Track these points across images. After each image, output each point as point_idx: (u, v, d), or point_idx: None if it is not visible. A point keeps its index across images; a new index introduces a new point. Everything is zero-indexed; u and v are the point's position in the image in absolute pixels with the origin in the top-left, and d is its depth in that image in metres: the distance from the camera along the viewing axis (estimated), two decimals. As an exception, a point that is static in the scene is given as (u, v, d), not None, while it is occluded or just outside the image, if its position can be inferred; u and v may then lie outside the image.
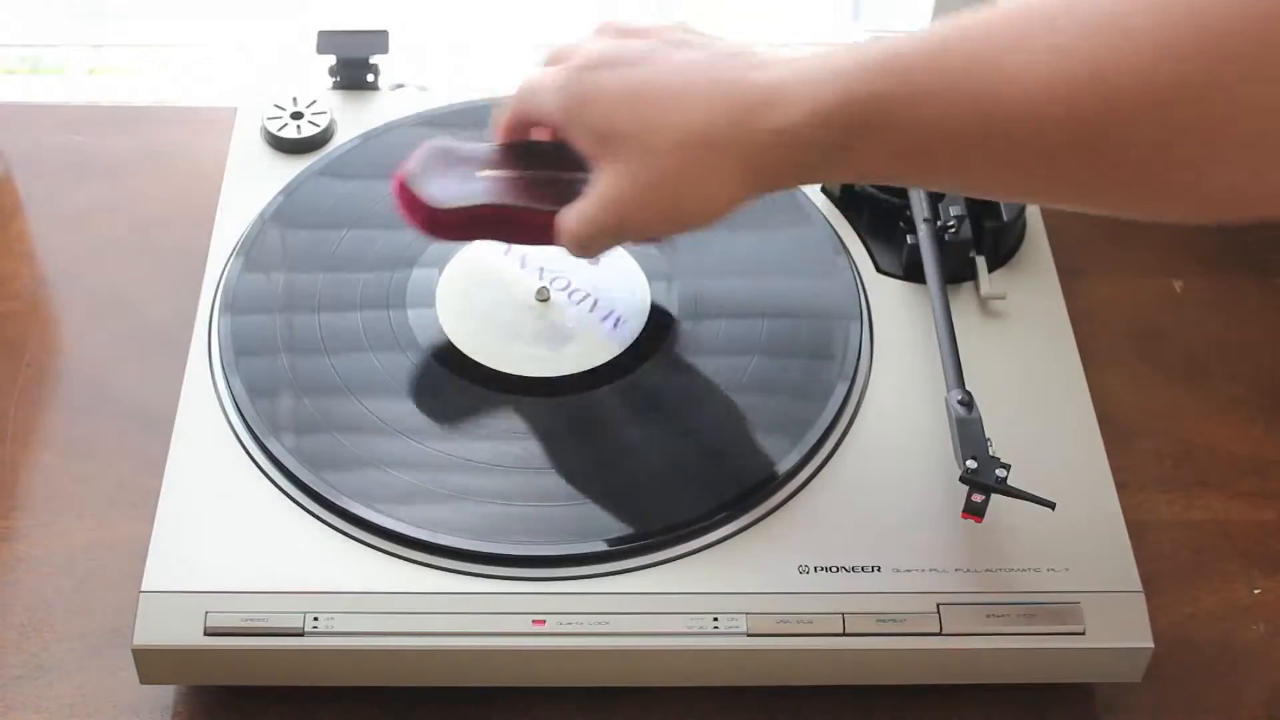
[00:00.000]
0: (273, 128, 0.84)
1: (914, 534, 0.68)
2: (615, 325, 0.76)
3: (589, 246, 0.68)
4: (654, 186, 0.65)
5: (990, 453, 0.67)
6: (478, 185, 0.70)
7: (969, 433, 0.68)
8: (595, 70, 0.66)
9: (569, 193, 0.68)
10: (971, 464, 0.67)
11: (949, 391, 0.70)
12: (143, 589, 0.66)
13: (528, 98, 0.69)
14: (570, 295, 0.77)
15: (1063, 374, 0.75)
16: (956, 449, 0.68)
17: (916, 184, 0.69)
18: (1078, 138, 0.54)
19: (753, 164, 0.63)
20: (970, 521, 0.67)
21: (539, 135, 0.71)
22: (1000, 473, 0.67)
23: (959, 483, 0.67)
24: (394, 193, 0.71)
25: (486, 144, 0.72)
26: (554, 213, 0.68)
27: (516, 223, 0.70)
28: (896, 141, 0.59)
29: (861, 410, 0.73)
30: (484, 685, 0.67)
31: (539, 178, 0.70)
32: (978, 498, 0.67)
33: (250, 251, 0.78)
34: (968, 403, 0.69)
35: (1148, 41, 0.51)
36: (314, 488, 0.68)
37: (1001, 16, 0.57)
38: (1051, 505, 0.67)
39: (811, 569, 0.67)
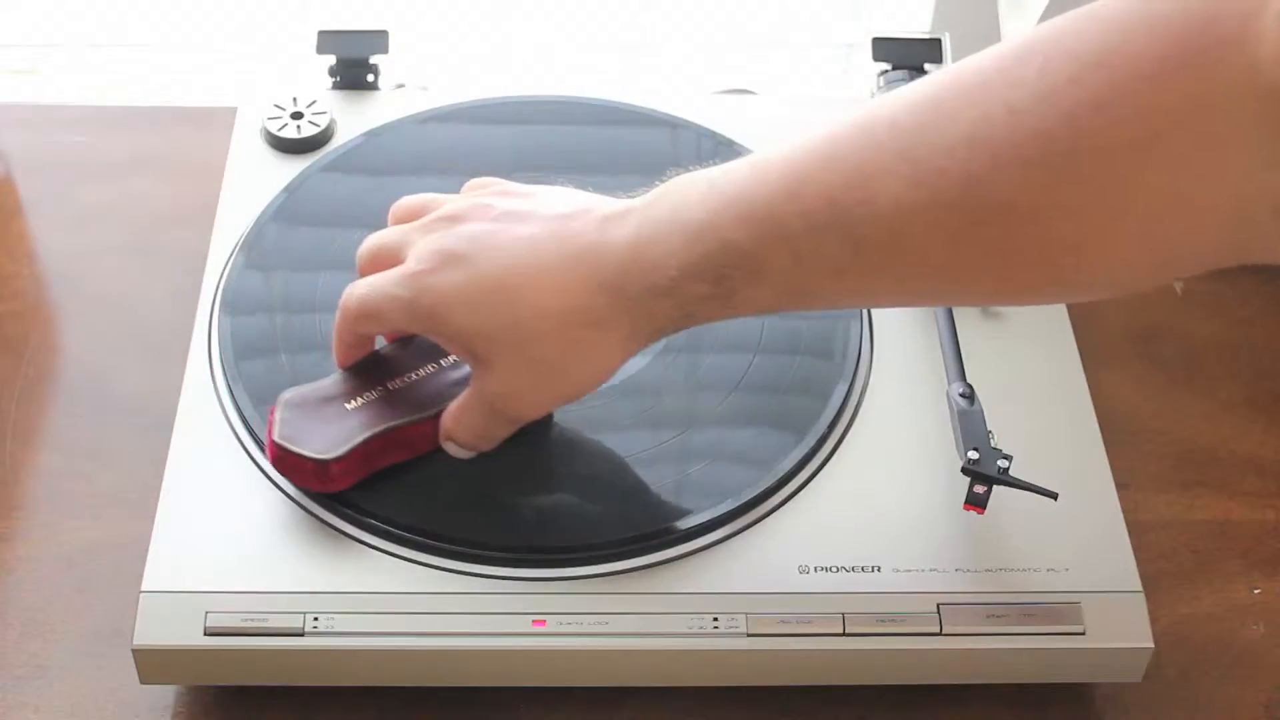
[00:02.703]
0: (273, 128, 0.84)
1: (914, 534, 0.68)
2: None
3: (487, 443, 0.68)
4: (544, 375, 0.65)
5: (992, 444, 0.67)
6: (354, 420, 0.67)
7: (970, 424, 0.68)
8: (434, 275, 0.64)
9: (441, 385, 0.68)
10: (973, 455, 0.67)
11: (950, 384, 0.70)
12: (143, 589, 0.66)
13: (369, 317, 0.66)
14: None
15: (1063, 374, 0.75)
16: (958, 441, 0.68)
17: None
18: (955, 238, 0.56)
19: (637, 326, 0.63)
20: (971, 517, 0.67)
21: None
22: (1002, 463, 0.67)
23: (961, 474, 0.67)
24: (273, 462, 0.67)
25: (335, 376, 0.69)
26: (440, 412, 0.68)
27: (409, 439, 0.68)
28: (775, 283, 0.60)
29: (861, 410, 0.73)
30: (484, 685, 0.67)
31: (405, 385, 0.69)
32: (980, 489, 0.67)
33: (250, 251, 0.78)
34: (969, 395, 0.69)
35: (1009, 156, 0.54)
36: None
37: (843, 142, 0.58)
38: (1054, 495, 0.67)
39: (811, 569, 0.67)
